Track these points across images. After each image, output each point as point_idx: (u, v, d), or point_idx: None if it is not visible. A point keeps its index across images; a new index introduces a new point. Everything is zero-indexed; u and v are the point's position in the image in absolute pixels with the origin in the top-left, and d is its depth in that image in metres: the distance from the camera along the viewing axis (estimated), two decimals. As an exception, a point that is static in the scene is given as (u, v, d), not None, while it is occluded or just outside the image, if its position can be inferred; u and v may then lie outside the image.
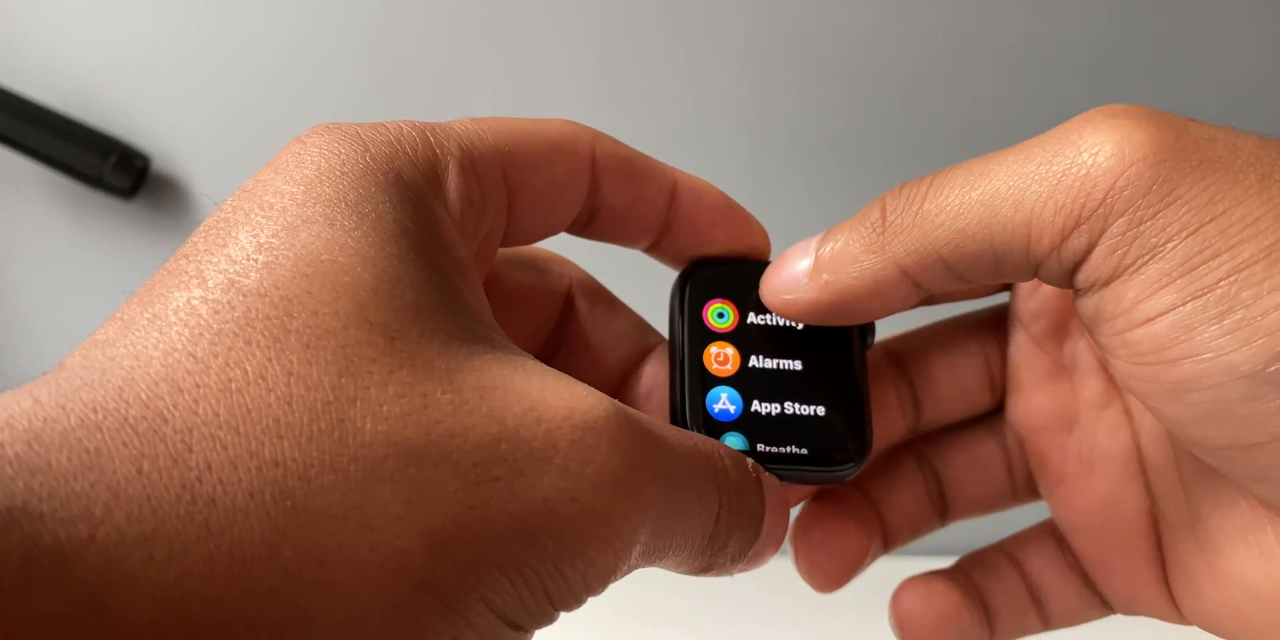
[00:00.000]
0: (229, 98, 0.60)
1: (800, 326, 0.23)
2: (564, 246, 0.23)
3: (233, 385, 0.14)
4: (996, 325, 0.25)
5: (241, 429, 0.14)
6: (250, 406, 0.14)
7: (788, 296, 0.22)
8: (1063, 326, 0.24)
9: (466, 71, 0.60)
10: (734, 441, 0.21)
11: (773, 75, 0.60)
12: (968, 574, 0.25)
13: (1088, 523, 0.24)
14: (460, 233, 0.19)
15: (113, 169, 0.55)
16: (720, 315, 0.22)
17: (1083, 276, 0.19)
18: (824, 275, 0.21)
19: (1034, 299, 0.24)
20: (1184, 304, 0.18)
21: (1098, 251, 0.18)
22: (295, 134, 0.19)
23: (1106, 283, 0.19)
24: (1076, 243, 0.19)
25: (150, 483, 0.14)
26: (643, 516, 0.16)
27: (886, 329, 0.25)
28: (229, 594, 0.13)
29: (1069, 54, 0.59)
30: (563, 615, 0.17)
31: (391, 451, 0.15)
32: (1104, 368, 0.24)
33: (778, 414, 0.22)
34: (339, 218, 0.16)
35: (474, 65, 0.60)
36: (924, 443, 0.26)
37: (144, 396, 0.14)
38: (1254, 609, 0.21)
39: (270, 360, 0.15)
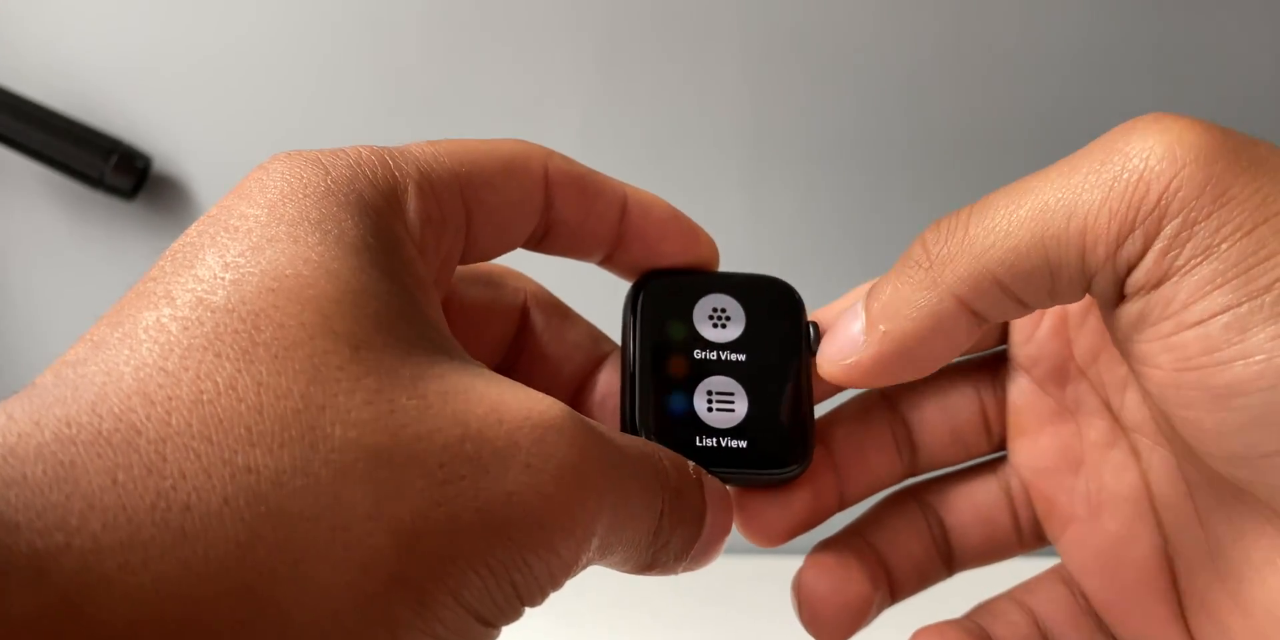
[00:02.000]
0: (230, 98, 0.60)
1: (741, 334, 0.23)
2: (518, 260, 0.24)
3: (204, 396, 0.15)
4: (991, 370, 0.25)
5: (214, 438, 0.15)
6: (222, 416, 0.15)
7: (849, 361, 0.21)
8: (1063, 369, 0.24)
9: (467, 72, 0.60)
10: (683, 442, 0.22)
11: (772, 77, 0.60)
12: (978, 622, 0.25)
13: (1099, 565, 0.24)
14: (420, 252, 0.19)
15: (114, 169, 0.55)
16: (672, 325, 0.23)
17: (1132, 281, 0.19)
18: (880, 327, 0.21)
19: (1032, 345, 0.24)
20: (1239, 305, 0.18)
21: (1151, 254, 0.18)
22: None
23: (1156, 285, 0.19)
24: (1131, 247, 0.18)
25: (125, 492, 0.14)
26: (600, 507, 0.17)
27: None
28: (204, 594, 0.14)
29: (1069, 55, 0.59)
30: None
31: (361, 455, 0.15)
32: (1108, 408, 0.24)
33: (724, 418, 0.22)
34: (302, 235, 0.17)
35: (475, 67, 0.60)
36: (926, 490, 0.26)
37: (117, 410, 0.15)
38: None
39: (240, 372, 0.15)
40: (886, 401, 0.25)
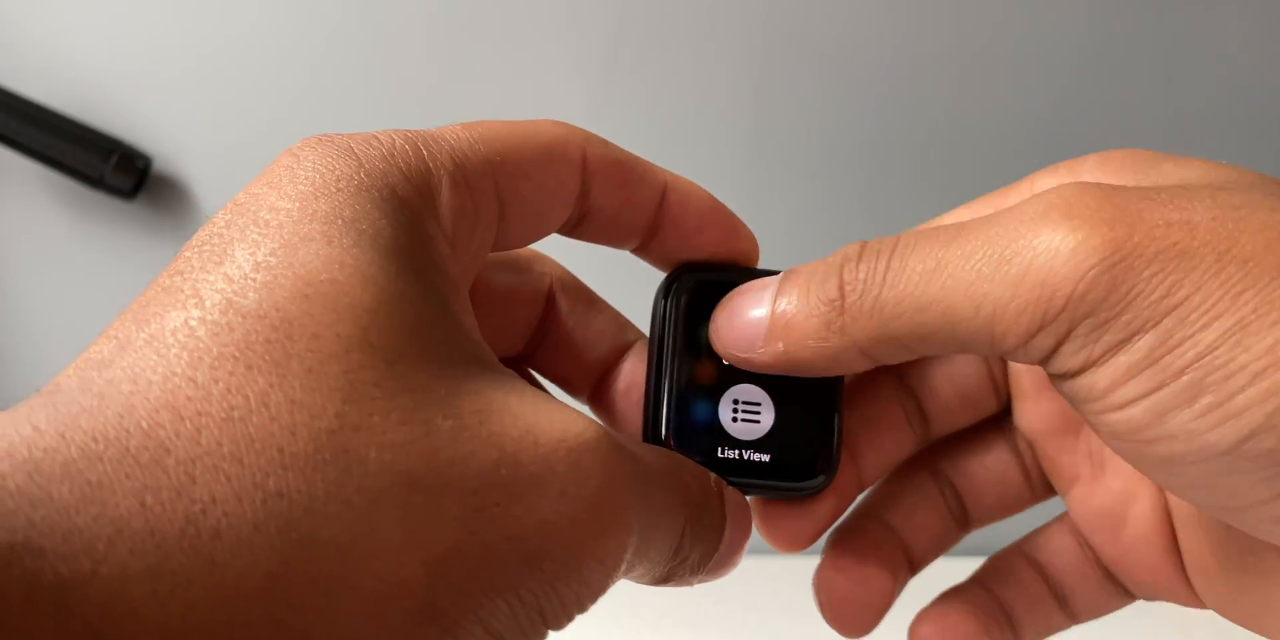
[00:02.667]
0: (231, 98, 0.60)
1: None
2: (545, 242, 0.23)
3: (235, 413, 0.14)
4: None
5: (245, 460, 0.14)
6: (254, 436, 0.14)
7: (742, 355, 0.22)
8: None
9: (468, 72, 0.60)
10: (705, 452, 0.22)
11: (772, 77, 0.60)
12: (987, 586, 0.25)
13: (1104, 522, 0.24)
14: (452, 247, 0.19)
15: (114, 169, 0.55)
16: (703, 326, 0.23)
17: (1052, 368, 0.19)
18: (779, 344, 0.21)
19: None
20: (1155, 391, 0.18)
21: (1065, 349, 0.19)
22: (296, 134, 0.19)
23: (1078, 373, 0.19)
24: (1044, 342, 0.19)
25: (153, 516, 0.13)
26: (631, 535, 0.17)
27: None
28: (232, 626, 0.13)
29: (1069, 55, 0.59)
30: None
31: (396, 480, 0.15)
32: None
33: (749, 430, 0.22)
34: (336, 235, 0.16)
35: (475, 66, 0.60)
36: (936, 455, 0.26)
37: (145, 425, 0.14)
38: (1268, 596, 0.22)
39: (273, 387, 0.15)
40: (893, 376, 0.25)
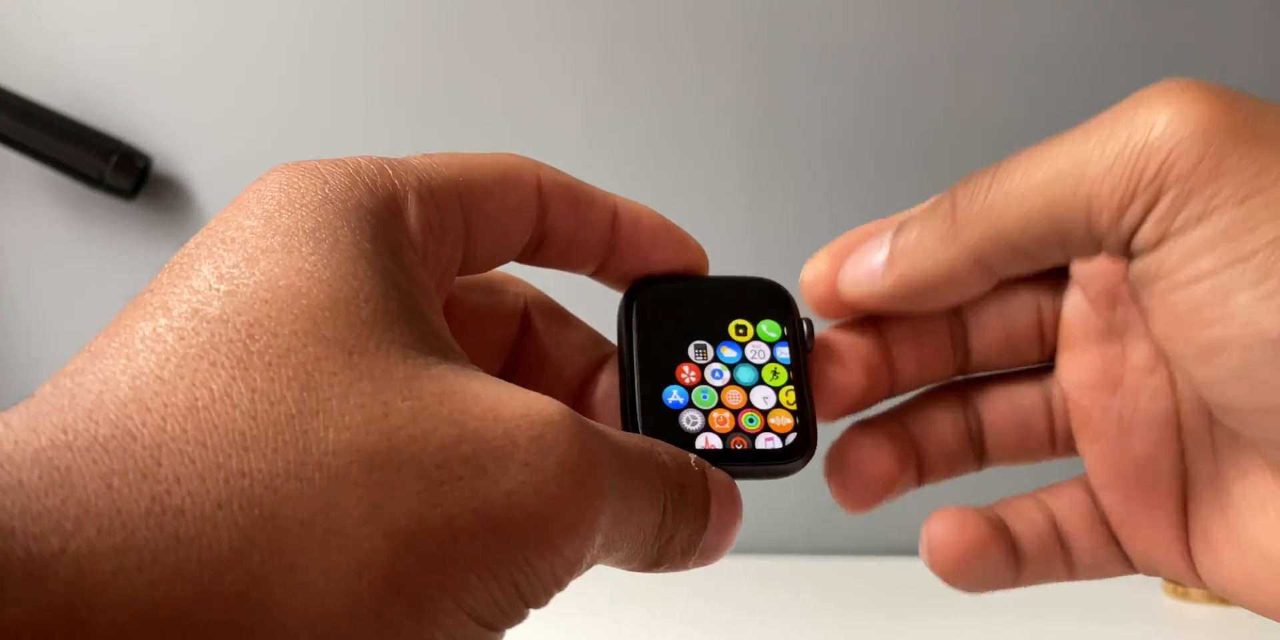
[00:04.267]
0: (230, 98, 0.60)
1: (742, 332, 0.24)
2: (516, 270, 0.24)
3: (199, 403, 0.15)
4: (1054, 281, 0.26)
5: (209, 443, 0.15)
6: (216, 422, 0.15)
7: (864, 290, 0.23)
8: (1117, 289, 0.25)
9: (467, 73, 0.60)
10: (684, 441, 0.22)
11: (772, 77, 0.60)
12: (1000, 514, 0.26)
13: (1120, 482, 0.25)
14: (422, 258, 0.19)
15: (114, 169, 0.55)
16: (666, 328, 0.24)
17: (1135, 242, 0.20)
18: (899, 269, 0.23)
19: (1092, 263, 0.25)
20: (1223, 270, 0.19)
21: (1149, 219, 0.20)
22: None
23: (1154, 247, 0.20)
24: (1132, 214, 0.20)
25: (120, 497, 0.14)
26: (604, 502, 0.17)
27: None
28: (198, 598, 0.14)
29: (1069, 56, 0.59)
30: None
31: (355, 458, 0.15)
32: (1153, 335, 0.25)
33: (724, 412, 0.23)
34: (296, 245, 0.17)
35: (475, 67, 0.60)
36: (970, 386, 0.27)
37: (113, 417, 0.15)
38: (1267, 575, 0.22)
39: (235, 379, 0.15)
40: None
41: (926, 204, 0.23)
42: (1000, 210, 0.21)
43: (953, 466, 0.26)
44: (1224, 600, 0.48)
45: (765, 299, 0.24)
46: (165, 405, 0.15)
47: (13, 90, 0.55)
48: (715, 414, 0.23)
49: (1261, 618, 0.23)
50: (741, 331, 0.24)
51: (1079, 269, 0.25)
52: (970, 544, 0.25)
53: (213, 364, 0.15)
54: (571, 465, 0.17)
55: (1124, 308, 0.25)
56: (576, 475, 0.17)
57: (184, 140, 0.59)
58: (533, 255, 0.23)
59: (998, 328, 0.26)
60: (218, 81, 0.60)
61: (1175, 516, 0.24)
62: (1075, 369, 0.25)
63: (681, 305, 0.24)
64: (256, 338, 0.16)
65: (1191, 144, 0.19)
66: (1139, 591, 0.50)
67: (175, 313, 0.16)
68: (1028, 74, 0.59)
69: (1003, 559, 0.25)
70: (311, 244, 0.17)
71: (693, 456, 0.21)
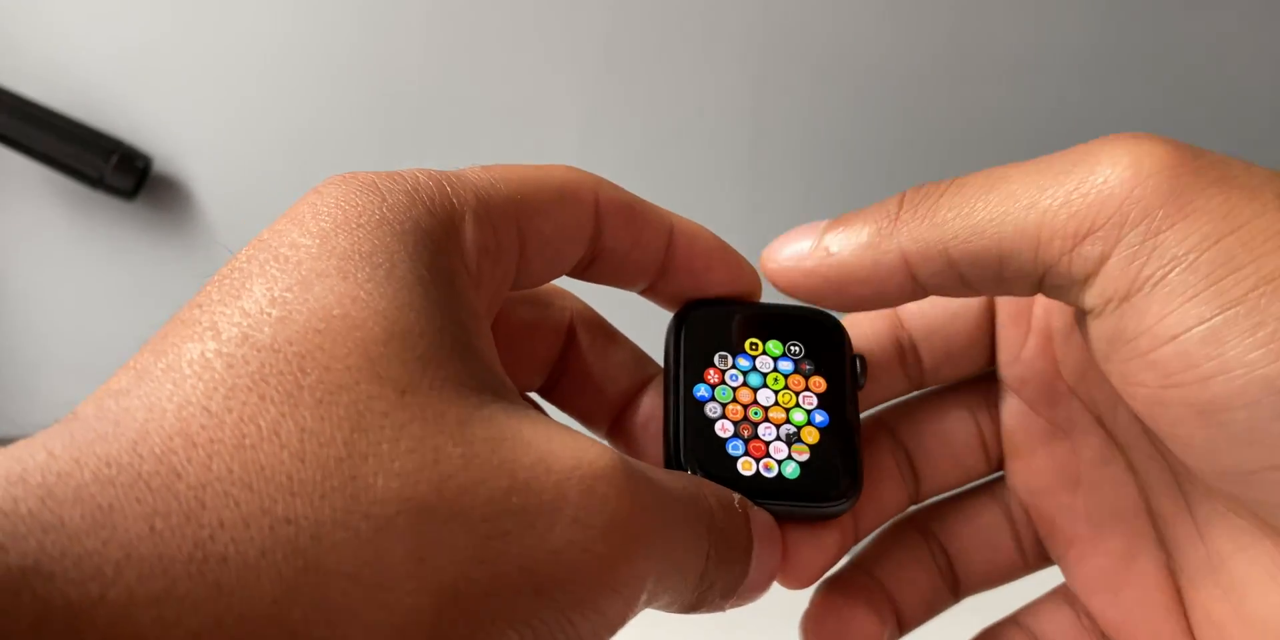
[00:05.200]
0: (231, 98, 0.60)
1: (793, 366, 0.23)
2: (561, 280, 0.24)
3: (246, 441, 0.15)
4: (984, 391, 0.25)
5: (255, 486, 0.14)
6: (264, 463, 0.15)
7: (789, 266, 0.22)
8: (1052, 388, 0.24)
9: (468, 72, 0.60)
10: (726, 475, 0.22)
11: (772, 77, 0.60)
12: None
13: (1104, 584, 0.24)
14: (475, 282, 0.19)
15: (114, 169, 0.55)
16: (716, 357, 0.23)
17: (1096, 291, 0.19)
18: (827, 248, 0.22)
19: (1019, 364, 0.24)
20: (1213, 317, 0.17)
21: (1114, 262, 0.18)
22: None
23: (1126, 297, 0.18)
24: (1090, 250, 0.18)
25: (162, 541, 0.14)
26: (649, 563, 0.17)
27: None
28: None
29: (1069, 56, 0.59)
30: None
31: (403, 508, 0.15)
32: (1101, 425, 0.24)
33: (773, 454, 0.22)
34: (352, 270, 0.17)
35: (475, 67, 0.60)
36: (928, 517, 0.26)
37: (158, 451, 0.14)
38: None
39: (284, 416, 0.15)
40: (885, 429, 0.25)
41: (879, 202, 0.22)
42: (943, 218, 0.20)
43: (931, 608, 0.25)
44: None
45: (820, 331, 0.24)
46: (212, 441, 0.15)
47: (13, 90, 0.55)
48: (755, 444, 0.22)
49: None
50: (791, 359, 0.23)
51: (1009, 375, 0.24)
52: None
53: (262, 397, 0.15)
54: (620, 524, 0.16)
55: (1065, 405, 0.24)
56: (625, 535, 0.16)
57: (184, 140, 0.59)
58: (584, 271, 0.22)
59: (939, 447, 0.25)
60: (218, 81, 0.60)
61: (1172, 608, 0.23)
62: (1028, 475, 0.24)
63: (732, 330, 0.23)
64: (308, 371, 0.15)
65: (1159, 181, 0.18)
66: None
67: (225, 337, 0.16)
68: (1028, 75, 0.59)
69: None
70: (368, 269, 0.17)
71: (737, 497, 0.20)
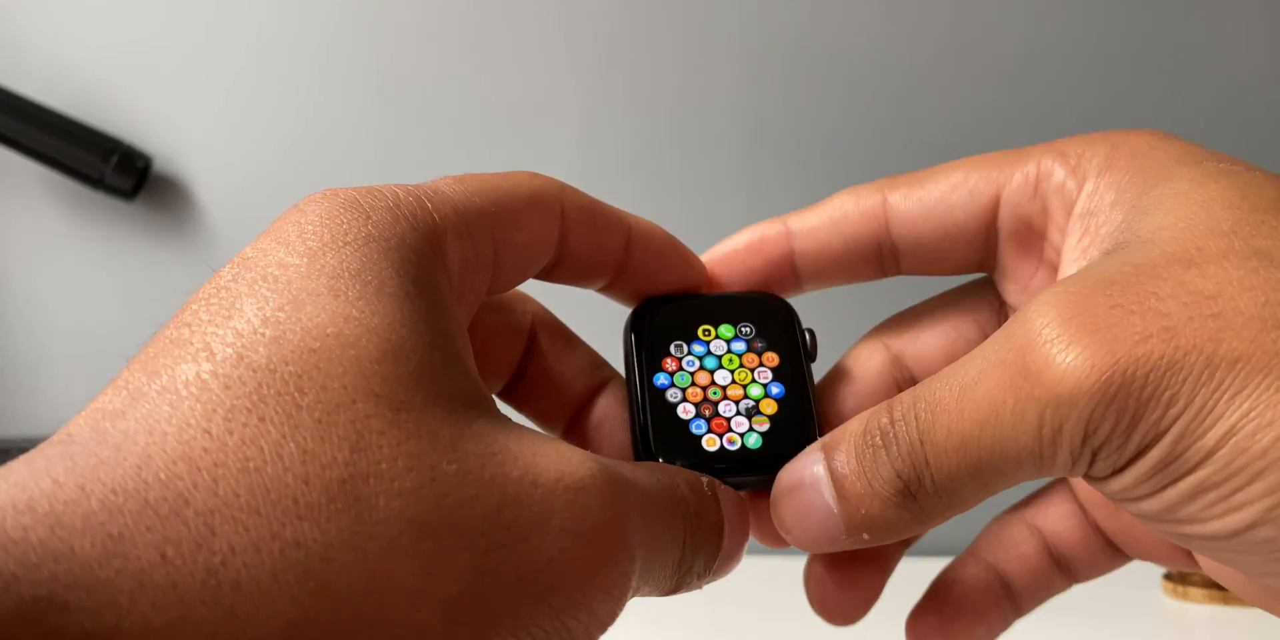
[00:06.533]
0: (231, 98, 0.60)
1: (745, 346, 0.24)
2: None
3: (250, 464, 0.15)
4: (983, 294, 0.25)
5: (262, 510, 0.15)
6: (269, 487, 0.15)
7: (828, 550, 0.22)
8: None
9: (467, 73, 0.60)
10: (693, 458, 0.23)
11: (772, 77, 0.60)
12: (987, 562, 0.25)
13: (1104, 500, 0.24)
14: (457, 296, 0.19)
15: (114, 170, 0.55)
16: (674, 348, 0.24)
17: (1089, 476, 0.20)
18: (864, 535, 0.21)
19: (1026, 295, 0.24)
20: (1164, 490, 0.19)
21: (1098, 464, 0.19)
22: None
23: (1107, 478, 0.20)
24: (1081, 464, 0.19)
25: (174, 568, 0.14)
26: (634, 564, 0.18)
27: (869, 310, 0.26)
28: None
29: (1069, 56, 0.59)
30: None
31: (405, 527, 0.15)
32: None
33: (735, 428, 0.23)
34: (343, 288, 0.17)
35: (475, 67, 0.60)
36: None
37: (163, 476, 0.14)
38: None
39: (285, 438, 0.15)
40: (889, 355, 0.26)
41: (858, 449, 0.22)
42: (956, 486, 0.20)
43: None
44: (1224, 600, 0.48)
45: (769, 312, 0.25)
46: (216, 465, 0.15)
47: (13, 90, 0.55)
48: (717, 421, 0.23)
49: (1262, 617, 0.23)
50: (744, 339, 0.24)
51: (1015, 301, 0.25)
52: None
53: (261, 419, 0.15)
54: (605, 530, 0.17)
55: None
56: (609, 540, 0.17)
57: (184, 140, 0.59)
58: (548, 273, 0.23)
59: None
60: (218, 81, 0.60)
61: None
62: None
63: (685, 320, 0.24)
64: (306, 391, 0.16)
65: (1104, 410, 0.18)
66: (1139, 591, 0.50)
67: (220, 358, 0.16)
68: (1027, 74, 0.59)
69: (997, 618, 0.25)
70: (359, 287, 0.17)
71: (705, 479, 0.21)
